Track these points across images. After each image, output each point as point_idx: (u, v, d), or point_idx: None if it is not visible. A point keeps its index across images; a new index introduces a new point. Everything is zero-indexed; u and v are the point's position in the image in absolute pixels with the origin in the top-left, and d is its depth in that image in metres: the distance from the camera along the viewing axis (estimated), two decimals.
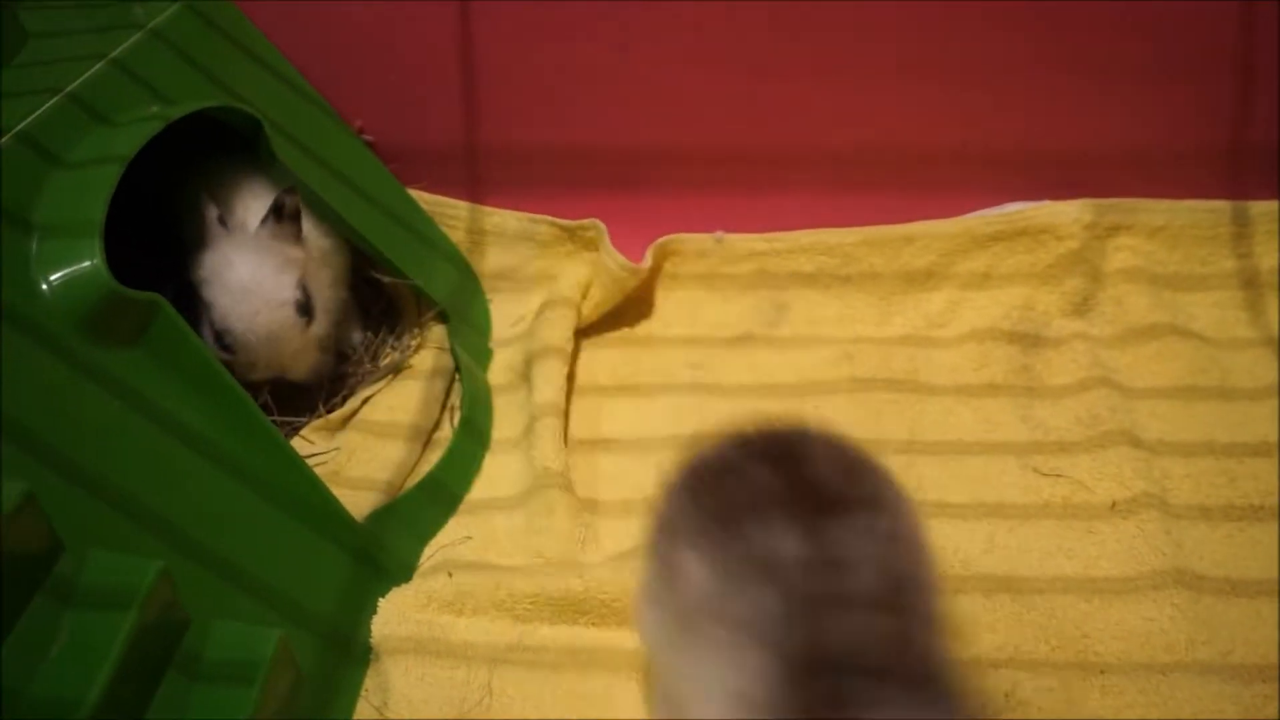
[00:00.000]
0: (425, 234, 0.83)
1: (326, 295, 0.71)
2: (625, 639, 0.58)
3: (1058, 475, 0.66)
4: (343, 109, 0.82)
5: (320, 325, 0.70)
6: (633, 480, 0.69)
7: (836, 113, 0.83)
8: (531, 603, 0.59)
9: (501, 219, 0.86)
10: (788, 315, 0.81)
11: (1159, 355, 0.74)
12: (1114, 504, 0.63)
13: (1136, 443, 0.67)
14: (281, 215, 0.66)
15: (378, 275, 0.77)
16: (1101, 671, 0.54)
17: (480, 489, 0.70)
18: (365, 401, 0.74)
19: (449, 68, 0.84)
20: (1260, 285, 0.79)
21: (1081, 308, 0.78)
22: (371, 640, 0.59)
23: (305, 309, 0.67)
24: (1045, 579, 0.60)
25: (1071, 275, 0.79)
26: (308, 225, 0.69)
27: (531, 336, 0.78)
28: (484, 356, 0.80)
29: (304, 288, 0.67)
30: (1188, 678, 0.53)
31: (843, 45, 0.80)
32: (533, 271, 0.85)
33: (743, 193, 0.87)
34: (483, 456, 0.72)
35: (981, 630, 0.57)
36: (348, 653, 0.59)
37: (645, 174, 0.88)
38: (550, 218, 0.85)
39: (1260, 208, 0.80)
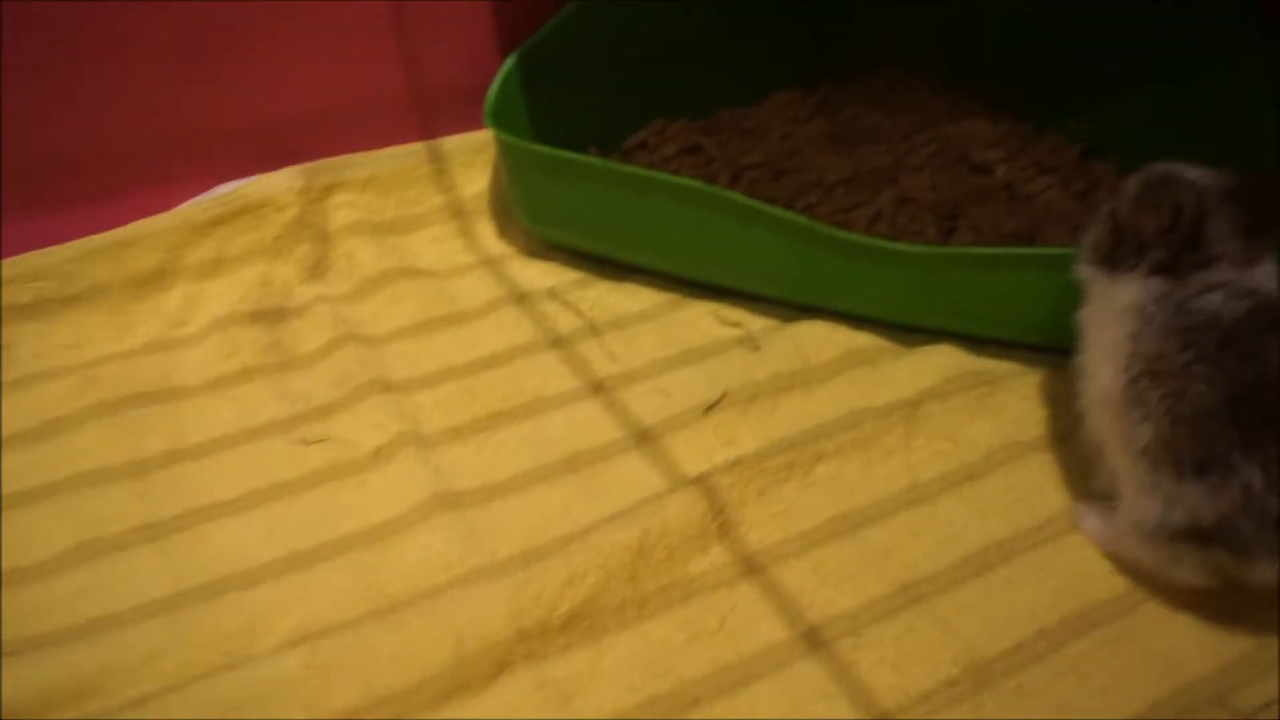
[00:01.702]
0: None
1: None
2: None
3: (322, 440, 0.68)
4: None
5: None
6: None
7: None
8: None
9: None
10: (13, 354, 0.73)
11: (394, 299, 0.79)
12: (377, 451, 0.67)
13: (388, 387, 0.71)
14: None
15: None
16: (391, 610, 0.57)
17: None
18: None
19: None
20: (468, 213, 0.87)
21: (316, 271, 0.81)
22: None
23: None
24: (330, 544, 0.62)
25: (300, 242, 0.81)
26: None
27: None
28: None
29: None
30: (463, 589, 0.58)
31: None
32: None
33: None
34: None
35: (277, 616, 0.58)
36: None
37: None
38: None
39: (452, 142, 0.89)
